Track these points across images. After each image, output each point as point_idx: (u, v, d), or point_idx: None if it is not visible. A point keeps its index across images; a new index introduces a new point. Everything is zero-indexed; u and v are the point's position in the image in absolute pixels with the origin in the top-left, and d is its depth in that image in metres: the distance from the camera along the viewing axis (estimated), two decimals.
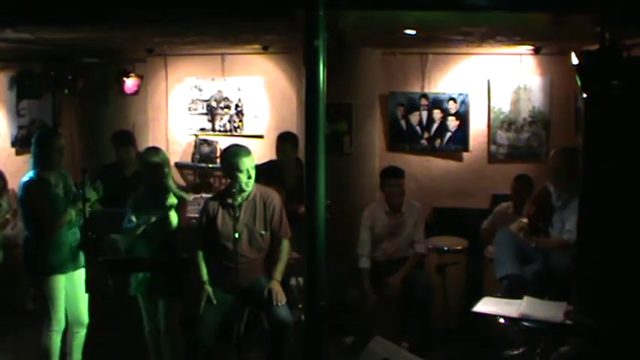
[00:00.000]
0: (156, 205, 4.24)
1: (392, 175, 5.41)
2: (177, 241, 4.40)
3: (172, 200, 4.21)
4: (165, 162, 4.49)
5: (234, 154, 4.32)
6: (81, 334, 4.54)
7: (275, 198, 4.45)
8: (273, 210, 4.39)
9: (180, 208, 4.45)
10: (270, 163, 5.75)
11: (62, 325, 4.40)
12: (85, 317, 4.52)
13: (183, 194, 4.68)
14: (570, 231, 4.33)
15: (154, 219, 4.29)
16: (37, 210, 4.26)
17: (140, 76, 6.98)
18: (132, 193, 4.51)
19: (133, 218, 4.35)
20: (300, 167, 5.53)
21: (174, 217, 4.29)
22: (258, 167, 4.44)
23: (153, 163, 4.40)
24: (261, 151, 6.59)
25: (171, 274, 4.32)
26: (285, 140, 5.74)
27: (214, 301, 4.24)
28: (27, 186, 4.27)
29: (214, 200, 4.48)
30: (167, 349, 4.40)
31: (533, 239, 4.58)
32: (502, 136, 6.61)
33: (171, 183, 4.53)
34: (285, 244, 4.47)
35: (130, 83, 6.74)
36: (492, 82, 6.57)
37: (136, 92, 6.93)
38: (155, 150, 4.58)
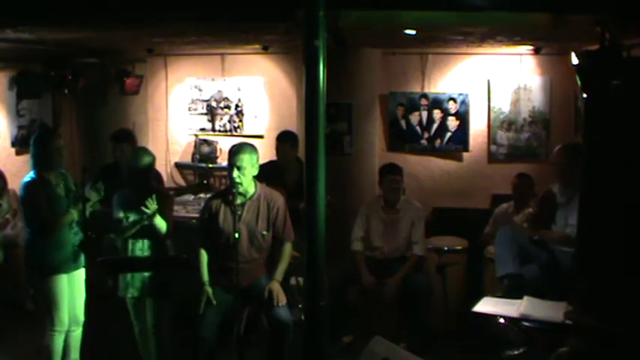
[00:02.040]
0: (140, 205, 4.25)
1: (388, 171, 5.48)
2: (169, 242, 4.42)
3: (152, 207, 4.21)
4: (152, 163, 4.49)
5: (232, 150, 4.33)
6: (77, 332, 4.54)
7: (279, 200, 4.45)
8: (277, 212, 4.39)
9: (166, 207, 4.45)
10: (270, 163, 5.74)
11: (65, 325, 4.40)
12: (81, 316, 4.53)
13: (169, 192, 4.68)
14: (573, 225, 4.34)
15: (144, 222, 4.31)
16: (38, 210, 4.26)
17: (140, 76, 6.99)
18: (117, 192, 4.50)
19: (121, 214, 4.36)
20: (300, 167, 5.54)
21: (160, 222, 4.30)
22: (259, 167, 4.44)
23: (141, 163, 4.40)
24: (261, 151, 6.49)
25: (164, 273, 4.33)
26: (284, 141, 5.74)
27: (214, 302, 4.24)
28: (28, 186, 4.27)
29: (216, 198, 4.48)
30: (155, 348, 4.42)
31: (537, 232, 4.58)
32: (502, 136, 6.60)
33: (153, 184, 4.56)
34: (288, 246, 4.47)
35: (131, 82, 6.73)
36: (492, 82, 6.57)
37: (137, 91, 6.94)
38: (144, 150, 4.59)
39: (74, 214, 4.30)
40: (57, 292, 4.32)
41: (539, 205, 4.72)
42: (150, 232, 4.35)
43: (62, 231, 4.32)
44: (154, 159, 4.53)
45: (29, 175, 4.32)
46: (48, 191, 4.29)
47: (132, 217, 4.34)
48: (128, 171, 4.47)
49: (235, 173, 4.25)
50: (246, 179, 4.30)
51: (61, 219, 4.29)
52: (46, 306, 4.36)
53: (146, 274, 4.35)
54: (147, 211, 4.20)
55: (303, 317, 4.27)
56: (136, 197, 4.31)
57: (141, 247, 4.40)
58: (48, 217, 4.26)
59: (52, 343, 4.36)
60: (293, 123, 6.66)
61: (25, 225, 4.50)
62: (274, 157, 5.84)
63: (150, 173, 4.51)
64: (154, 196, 4.24)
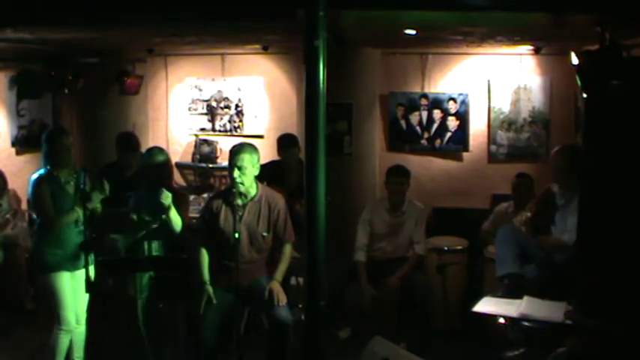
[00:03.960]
0: (157, 205, 4.25)
1: (394, 172, 5.46)
2: (184, 241, 4.41)
3: (167, 199, 4.20)
4: (167, 162, 4.51)
5: (232, 150, 4.33)
6: (79, 330, 4.54)
7: (280, 201, 4.45)
8: (277, 213, 4.39)
9: (182, 206, 4.46)
10: (272, 163, 5.74)
11: (71, 325, 4.39)
12: (82, 315, 4.53)
13: (185, 192, 4.69)
14: (570, 231, 4.33)
15: (160, 219, 4.31)
16: (42, 205, 4.30)
17: (140, 76, 6.99)
18: (132, 193, 4.51)
19: (134, 218, 4.36)
20: (302, 168, 5.52)
21: (176, 217, 4.29)
22: (260, 167, 4.44)
23: (156, 163, 4.41)
24: (261, 151, 6.53)
25: (177, 274, 4.33)
26: (287, 146, 5.69)
27: (214, 301, 4.24)
28: (36, 182, 4.33)
29: (218, 198, 4.48)
30: (170, 347, 4.43)
31: (534, 238, 4.58)
32: (502, 136, 6.61)
33: (172, 183, 4.54)
34: (288, 247, 4.47)
35: (131, 83, 6.72)
36: (492, 82, 6.57)
37: (137, 91, 6.95)
38: (158, 150, 4.60)
39: (79, 213, 4.32)
40: (60, 290, 4.33)
41: (538, 206, 4.72)
42: (166, 232, 4.34)
43: (65, 228, 4.34)
44: (169, 158, 4.54)
45: (39, 172, 4.39)
46: (54, 188, 4.33)
47: (148, 218, 4.35)
48: (144, 172, 4.49)
49: (236, 173, 4.25)
50: (248, 179, 4.30)
51: (64, 216, 4.31)
52: (51, 304, 4.36)
53: (161, 276, 4.36)
54: (163, 202, 4.18)
55: (303, 317, 4.28)
56: (153, 199, 4.30)
57: (157, 248, 4.40)
58: (53, 213, 4.29)
59: (57, 343, 4.35)
60: (293, 123, 6.66)
61: (36, 221, 4.53)
62: (275, 157, 5.84)
63: (166, 172, 4.50)
64: (170, 191, 4.24)
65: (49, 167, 4.37)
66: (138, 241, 4.41)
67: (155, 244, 4.40)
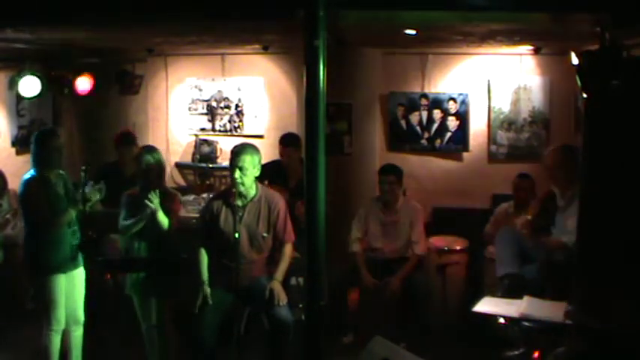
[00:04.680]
0: (144, 207, 4.26)
1: (383, 171, 5.47)
2: (172, 241, 4.42)
3: (155, 201, 4.21)
4: (160, 162, 4.50)
5: (234, 151, 4.33)
6: (78, 332, 4.54)
7: (280, 202, 4.45)
8: (277, 214, 4.39)
9: (172, 205, 4.46)
10: (273, 162, 5.73)
11: (62, 324, 4.39)
12: (81, 316, 4.53)
13: (176, 192, 4.70)
14: (570, 232, 4.33)
15: (146, 218, 4.31)
16: (37, 208, 4.27)
17: (140, 76, 6.99)
18: (125, 192, 4.51)
19: (127, 222, 4.37)
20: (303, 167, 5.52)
21: (162, 218, 4.30)
22: (262, 166, 4.44)
23: (148, 162, 4.41)
24: (261, 151, 6.58)
25: (165, 274, 4.34)
26: (288, 145, 5.70)
27: (210, 302, 4.23)
28: (27, 184, 4.28)
29: (218, 199, 4.48)
30: (160, 346, 4.43)
31: (534, 239, 4.58)
32: (502, 136, 6.60)
33: (164, 183, 4.55)
34: (288, 247, 4.47)
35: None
36: (492, 82, 6.57)
37: (137, 91, 6.95)
38: (147, 150, 4.60)
39: (72, 214, 4.30)
40: (54, 292, 4.31)
41: (540, 207, 4.71)
42: (155, 231, 4.34)
43: (60, 230, 4.32)
44: (159, 158, 4.54)
45: (29, 173, 4.33)
46: (47, 189, 4.30)
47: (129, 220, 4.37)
48: (137, 171, 4.49)
49: (237, 174, 4.25)
50: (248, 180, 4.30)
51: (59, 218, 4.29)
52: (43, 305, 4.36)
53: (151, 274, 4.35)
54: (150, 205, 4.19)
55: (303, 317, 4.28)
56: (146, 197, 4.31)
57: (146, 247, 4.40)
58: (46, 215, 4.26)
59: (49, 343, 4.36)
60: (293, 123, 6.66)
61: (24, 223, 4.50)
62: (275, 157, 5.84)
63: (155, 173, 4.51)
64: (157, 192, 4.24)
65: (39, 168, 4.32)
66: (129, 241, 4.42)
67: (145, 243, 4.41)
